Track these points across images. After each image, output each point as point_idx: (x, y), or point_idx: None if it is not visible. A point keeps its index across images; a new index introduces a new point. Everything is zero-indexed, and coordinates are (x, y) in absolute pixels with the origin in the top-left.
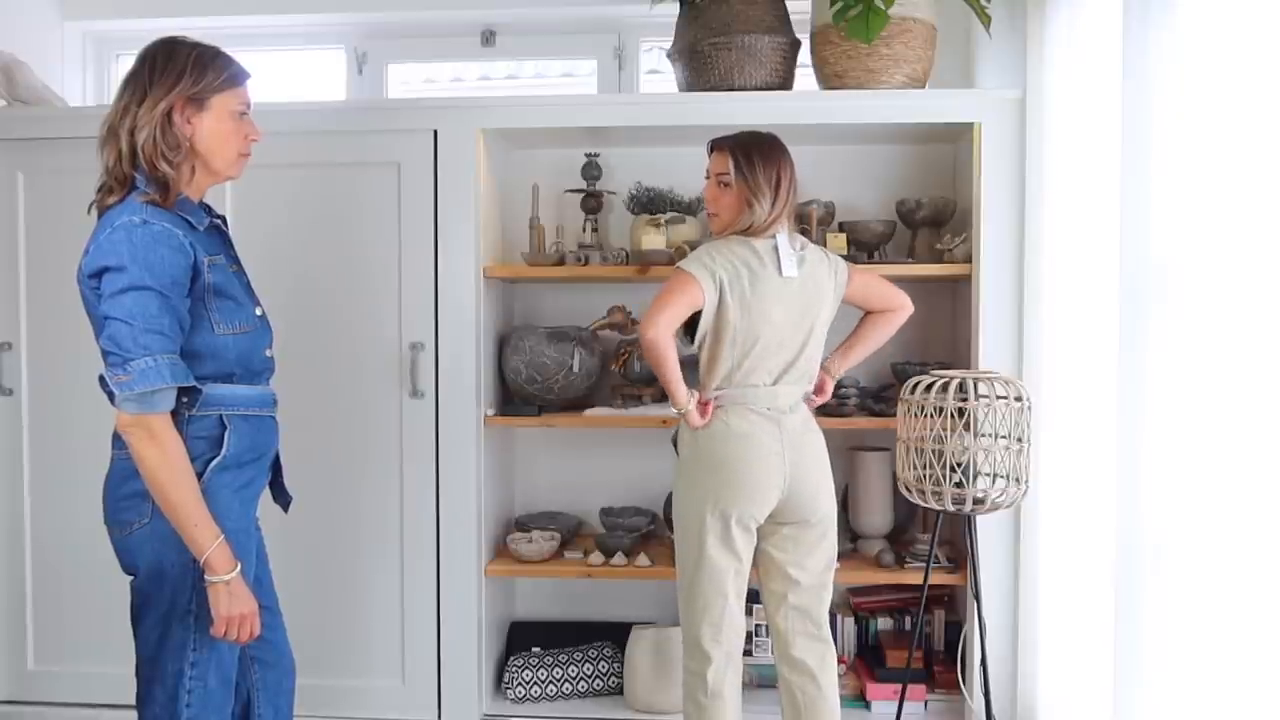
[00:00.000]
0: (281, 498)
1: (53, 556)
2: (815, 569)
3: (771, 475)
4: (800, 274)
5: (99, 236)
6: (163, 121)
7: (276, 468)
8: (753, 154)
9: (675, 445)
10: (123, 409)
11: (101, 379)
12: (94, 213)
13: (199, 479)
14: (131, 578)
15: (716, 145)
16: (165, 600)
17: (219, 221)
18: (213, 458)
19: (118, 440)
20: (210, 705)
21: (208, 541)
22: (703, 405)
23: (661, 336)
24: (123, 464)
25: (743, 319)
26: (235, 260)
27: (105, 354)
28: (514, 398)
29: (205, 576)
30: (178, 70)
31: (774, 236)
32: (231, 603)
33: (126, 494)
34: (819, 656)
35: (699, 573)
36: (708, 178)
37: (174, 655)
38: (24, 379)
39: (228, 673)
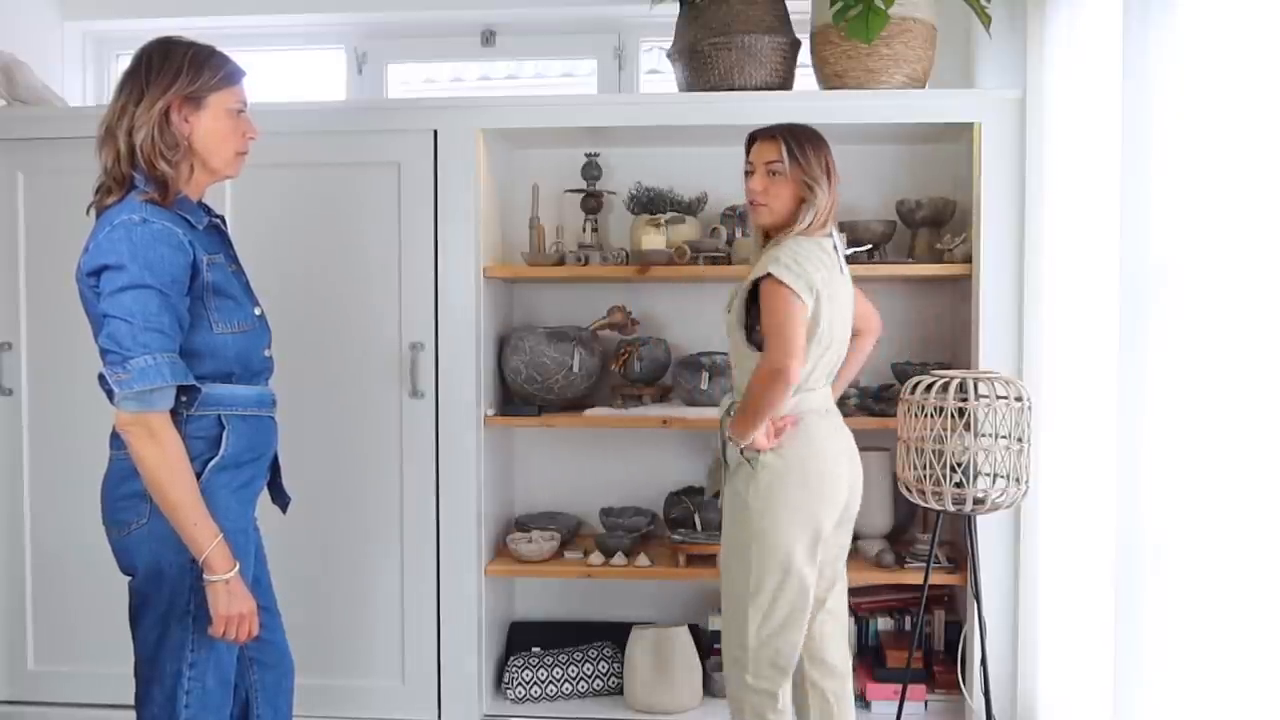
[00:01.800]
0: (280, 498)
1: (53, 556)
2: (841, 568)
3: (845, 476)
4: (846, 273)
5: (98, 235)
6: (160, 121)
7: (275, 468)
8: (803, 140)
9: (746, 458)
10: (122, 407)
11: (101, 377)
12: (93, 213)
13: (198, 479)
14: (130, 578)
15: (761, 135)
16: (164, 601)
17: (218, 221)
18: (211, 458)
19: (116, 440)
20: (209, 706)
21: (206, 540)
22: (778, 423)
23: (798, 373)
24: (121, 464)
25: (827, 322)
26: (234, 260)
27: (104, 352)
28: (514, 398)
29: (204, 576)
30: (174, 69)
31: (831, 234)
32: (230, 602)
33: (125, 494)
34: (845, 655)
35: (787, 591)
36: (750, 171)
37: (172, 656)
38: (24, 379)
39: (226, 673)
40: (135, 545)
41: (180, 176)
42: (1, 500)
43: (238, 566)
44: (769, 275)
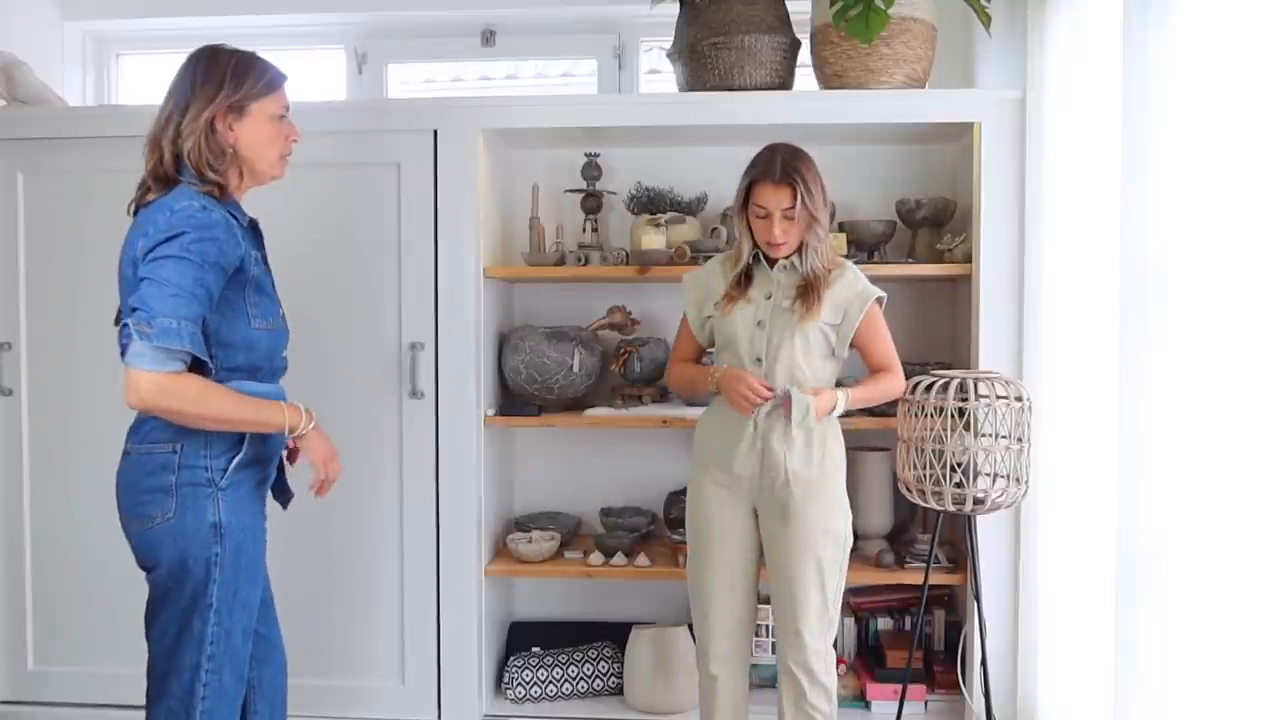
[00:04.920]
0: (283, 495)
1: (53, 556)
2: None
3: None
4: None
5: (156, 218)
6: (206, 129)
7: (280, 464)
8: (805, 174)
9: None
10: (134, 364)
11: (122, 334)
12: (132, 211)
13: (222, 475)
14: (147, 572)
15: (766, 180)
16: (186, 595)
17: (255, 221)
18: (234, 455)
19: (134, 434)
20: (224, 699)
21: (276, 415)
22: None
23: None
24: (142, 459)
25: None
26: (265, 260)
27: (132, 310)
28: (514, 398)
29: (293, 436)
30: (218, 80)
31: None
32: (322, 442)
33: (148, 488)
34: None
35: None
36: (762, 216)
37: (192, 649)
38: (24, 379)
39: (241, 668)
40: (159, 540)
41: (229, 182)
42: (1, 500)
43: (303, 412)
44: (879, 299)
